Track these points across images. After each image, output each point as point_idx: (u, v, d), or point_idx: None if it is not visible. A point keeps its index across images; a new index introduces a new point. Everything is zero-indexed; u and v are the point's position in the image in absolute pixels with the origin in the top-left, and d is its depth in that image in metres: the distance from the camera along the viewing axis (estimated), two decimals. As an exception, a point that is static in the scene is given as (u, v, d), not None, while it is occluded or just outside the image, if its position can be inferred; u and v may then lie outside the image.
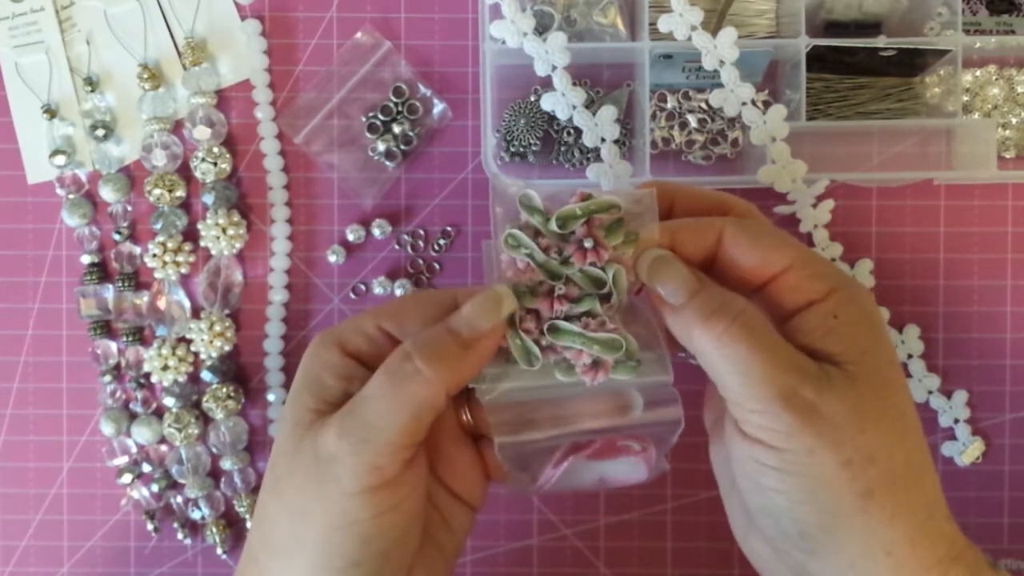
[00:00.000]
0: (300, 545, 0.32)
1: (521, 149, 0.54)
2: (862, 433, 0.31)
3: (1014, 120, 0.55)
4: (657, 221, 0.35)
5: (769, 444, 0.32)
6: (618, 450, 0.36)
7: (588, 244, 0.34)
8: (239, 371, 0.56)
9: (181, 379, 0.55)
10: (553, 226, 0.34)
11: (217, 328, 0.54)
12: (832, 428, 0.31)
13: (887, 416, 0.32)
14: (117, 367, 0.55)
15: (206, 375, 0.55)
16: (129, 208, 0.55)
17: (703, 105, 0.55)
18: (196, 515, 0.55)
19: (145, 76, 0.54)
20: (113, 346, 0.55)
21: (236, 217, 0.54)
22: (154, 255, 0.54)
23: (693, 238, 0.35)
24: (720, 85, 0.50)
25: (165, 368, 0.54)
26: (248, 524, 0.55)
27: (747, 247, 0.34)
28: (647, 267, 0.34)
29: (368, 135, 0.55)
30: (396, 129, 0.54)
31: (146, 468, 0.55)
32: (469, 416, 0.37)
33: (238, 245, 0.54)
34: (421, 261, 0.55)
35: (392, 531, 0.33)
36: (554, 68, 0.50)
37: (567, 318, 0.34)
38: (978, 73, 0.55)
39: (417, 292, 0.53)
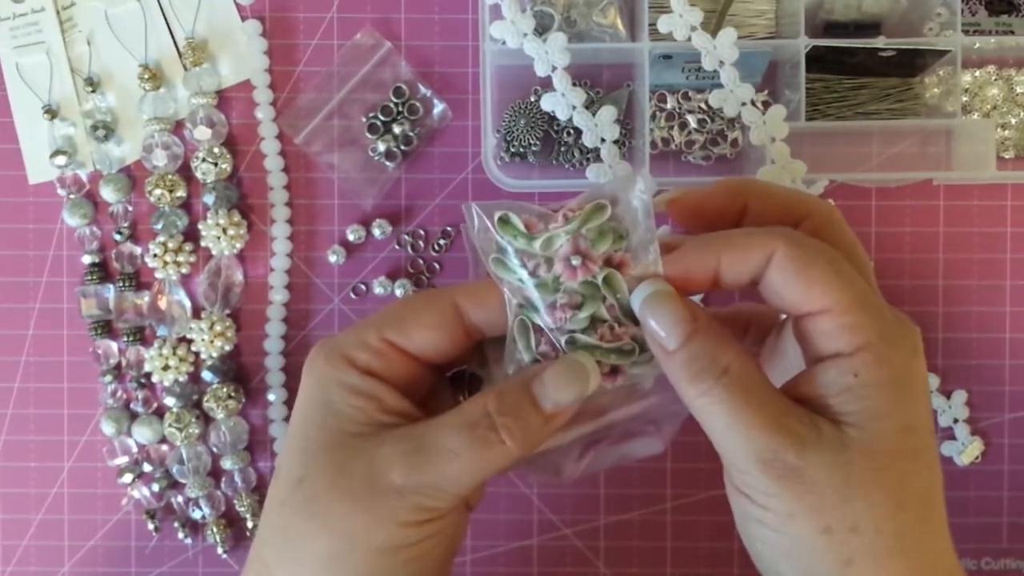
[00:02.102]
0: (339, 565, 0.32)
1: (521, 149, 0.54)
2: (846, 502, 0.30)
3: (1013, 120, 0.55)
4: (654, 232, 0.33)
5: (752, 499, 0.31)
6: (634, 434, 0.36)
7: (575, 262, 0.33)
8: (240, 371, 0.56)
9: (182, 379, 0.55)
10: (536, 248, 0.33)
11: (218, 328, 0.54)
12: (814, 494, 0.30)
13: (881, 487, 0.30)
14: (118, 367, 0.56)
15: (207, 375, 0.55)
16: (130, 208, 0.55)
17: (703, 105, 0.55)
18: (197, 515, 0.55)
19: (146, 76, 0.54)
20: (114, 346, 0.55)
21: (236, 217, 0.55)
22: (155, 255, 0.54)
23: (740, 260, 0.32)
24: (720, 85, 0.50)
25: (166, 368, 0.54)
26: (249, 523, 0.56)
27: (790, 278, 0.31)
28: (641, 302, 0.32)
29: (368, 135, 0.55)
30: (396, 129, 0.54)
31: (147, 468, 0.55)
32: None
33: (239, 245, 0.55)
34: (421, 261, 0.56)
35: (435, 552, 0.33)
36: (554, 68, 0.50)
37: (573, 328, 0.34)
38: (977, 73, 0.55)
39: (413, 296, 0.53)
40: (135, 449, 0.56)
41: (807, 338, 0.32)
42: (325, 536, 0.32)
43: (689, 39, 0.49)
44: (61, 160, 0.54)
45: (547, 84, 0.50)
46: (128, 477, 0.55)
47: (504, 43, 0.50)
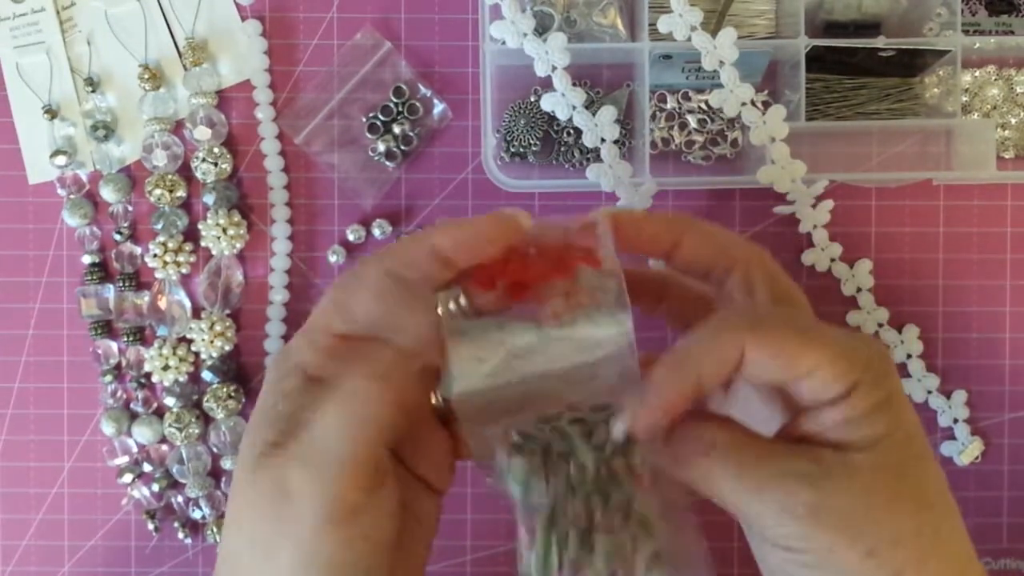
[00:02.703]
0: (288, 544, 0.31)
1: (521, 149, 0.54)
2: (878, 522, 0.31)
3: (1013, 120, 0.55)
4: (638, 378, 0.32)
5: (793, 549, 0.32)
6: None
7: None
8: (239, 371, 0.56)
9: (182, 379, 0.55)
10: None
11: (218, 328, 0.54)
12: (846, 521, 0.31)
13: (904, 495, 0.31)
14: (118, 367, 0.56)
15: (207, 375, 0.55)
16: (130, 208, 0.55)
17: (703, 105, 0.55)
18: (196, 515, 0.55)
19: (146, 76, 0.54)
20: (114, 346, 0.55)
21: (236, 217, 0.55)
22: (155, 255, 0.54)
23: (716, 364, 0.32)
24: (720, 85, 0.50)
25: (166, 368, 0.54)
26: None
27: (769, 364, 0.32)
28: (624, 433, 0.33)
29: (368, 135, 0.55)
30: (396, 129, 0.54)
31: (147, 468, 0.55)
32: (440, 399, 0.36)
33: (239, 245, 0.55)
34: (421, 261, 0.55)
35: (363, 561, 0.32)
36: (554, 68, 0.50)
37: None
38: (977, 73, 0.55)
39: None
40: (135, 449, 0.56)
41: (791, 391, 0.33)
42: (253, 553, 0.31)
43: (689, 39, 0.49)
44: (61, 160, 0.54)
45: (547, 84, 0.50)
46: (128, 477, 0.55)
47: (504, 43, 0.50)
